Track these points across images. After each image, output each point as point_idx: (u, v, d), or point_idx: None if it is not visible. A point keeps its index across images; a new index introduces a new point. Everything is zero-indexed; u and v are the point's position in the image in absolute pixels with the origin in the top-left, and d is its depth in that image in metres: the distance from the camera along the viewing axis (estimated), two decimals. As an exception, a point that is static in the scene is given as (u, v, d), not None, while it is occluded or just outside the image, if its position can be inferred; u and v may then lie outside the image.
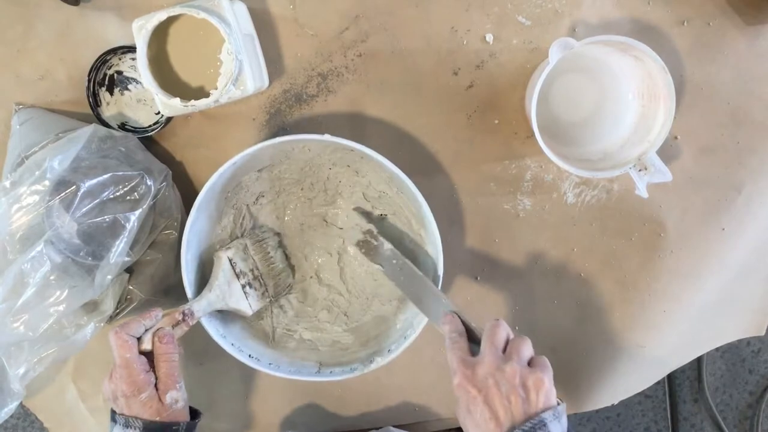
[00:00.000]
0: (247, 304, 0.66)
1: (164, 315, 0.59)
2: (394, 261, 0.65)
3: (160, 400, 0.55)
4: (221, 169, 0.59)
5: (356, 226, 0.69)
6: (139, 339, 0.56)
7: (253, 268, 0.67)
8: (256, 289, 0.67)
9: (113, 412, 0.56)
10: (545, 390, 0.48)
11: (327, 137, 0.60)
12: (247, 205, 0.69)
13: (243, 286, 0.65)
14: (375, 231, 0.67)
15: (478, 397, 0.47)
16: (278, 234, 0.71)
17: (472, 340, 0.55)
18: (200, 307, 0.61)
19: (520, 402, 0.46)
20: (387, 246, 0.65)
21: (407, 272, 0.64)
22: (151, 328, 0.57)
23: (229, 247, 0.65)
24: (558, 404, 0.48)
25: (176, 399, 0.56)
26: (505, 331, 0.52)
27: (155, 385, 0.55)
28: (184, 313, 0.59)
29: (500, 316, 0.73)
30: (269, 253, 0.68)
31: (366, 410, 0.76)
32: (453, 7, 0.67)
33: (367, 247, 0.67)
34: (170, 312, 0.59)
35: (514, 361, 0.49)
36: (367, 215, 0.69)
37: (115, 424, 0.55)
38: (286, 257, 0.71)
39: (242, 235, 0.69)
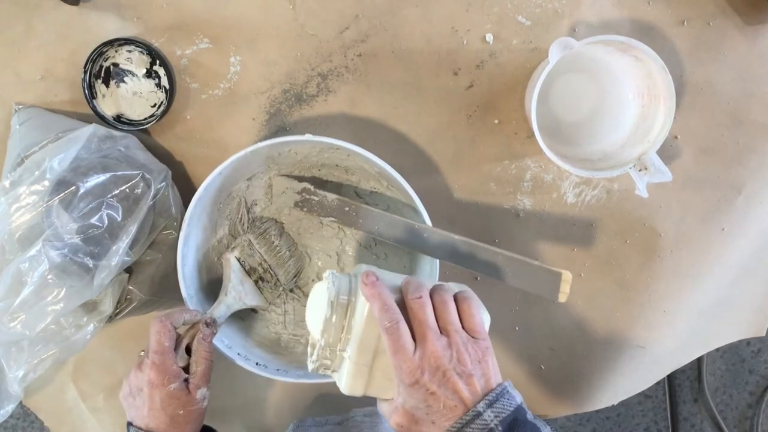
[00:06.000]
0: (262, 298, 0.66)
1: (188, 329, 0.59)
2: (347, 208, 0.62)
3: (189, 393, 0.55)
4: (207, 180, 0.59)
5: (288, 190, 0.67)
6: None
7: (261, 261, 0.67)
8: (267, 282, 0.67)
9: (129, 425, 0.55)
10: (490, 350, 0.46)
11: (308, 137, 0.59)
12: (244, 198, 0.69)
13: (255, 282, 0.66)
14: (312, 187, 0.64)
15: (438, 392, 0.44)
16: (280, 222, 0.71)
17: None
18: (220, 312, 0.62)
19: (477, 381, 0.44)
20: (332, 197, 0.63)
21: (365, 214, 0.61)
22: (189, 323, 0.58)
23: (235, 247, 0.65)
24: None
25: (205, 397, 0.56)
26: (427, 302, 0.47)
27: (185, 380, 0.55)
28: (207, 323, 0.59)
29: (499, 316, 0.73)
30: (274, 242, 0.68)
31: (371, 409, 0.76)
32: (453, 7, 0.67)
33: (308, 205, 0.65)
34: (193, 324, 0.59)
35: (456, 339, 0.45)
36: (298, 178, 0.67)
37: None
38: (293, 242, 0.71)
39: (244, 233, 0.69)
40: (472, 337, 0.46)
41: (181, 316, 0.57)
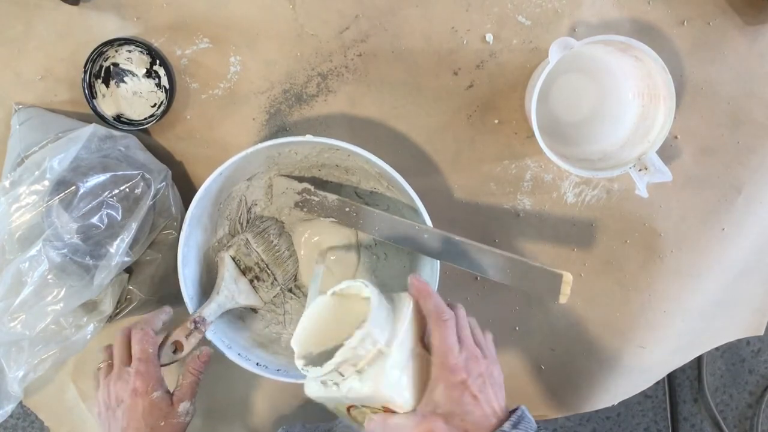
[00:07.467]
0: (257, 297, 0.66)
1: (176, 327, 0.59)
2: (347, 209, 0.62)
3: (171, 404, 0.54)
4: (208, 180, 0.59)
5: (288, 190, 0.67)
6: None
7: (258, 261, 0.67)
8: (264, 281, 0.67)
9: None
10: (501, 378, 0.48)
11: (308, 138, 0.59)
12: (244, 198, 0.69)
13: (251, 281, 0.66)
14: (312, 188, 0.64)
15: (480, 397, 0.44)
16: (281, 222, 0.71)
17: None
18: (210, 311, 0.61)
19: (501, 399, 0.45)
20: (332, 197, 0.63)
21: (365, 215, 0.61)
22: (167, 323, 0.59)
23: (230, 246, 0.65)
24: None
25: (188, 412, 0.55)
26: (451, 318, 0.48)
27: (170, 393, 0.55)
28: (195, 321, 0.58)
29: (499, 316, 0.73)
30: (272, 241, 0.68)
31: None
32: (453, 7, 0.67)
33: (308, 206, 0.65)
34: (182, 322, 0.59)
35: (486, 354, 0.47)
36: (298, 178, 0.67)
37: None
38: (293, 242, 0.71)
39: (242, 231, 0.69)
40: None
41: (159, 319, 0.58)
